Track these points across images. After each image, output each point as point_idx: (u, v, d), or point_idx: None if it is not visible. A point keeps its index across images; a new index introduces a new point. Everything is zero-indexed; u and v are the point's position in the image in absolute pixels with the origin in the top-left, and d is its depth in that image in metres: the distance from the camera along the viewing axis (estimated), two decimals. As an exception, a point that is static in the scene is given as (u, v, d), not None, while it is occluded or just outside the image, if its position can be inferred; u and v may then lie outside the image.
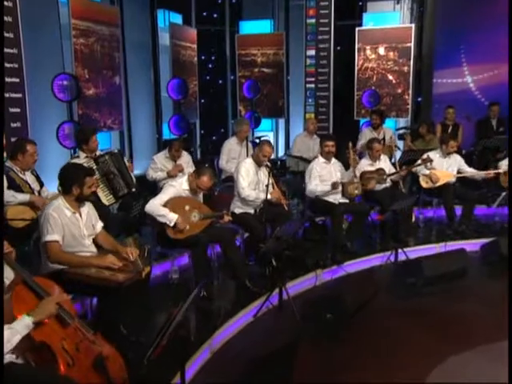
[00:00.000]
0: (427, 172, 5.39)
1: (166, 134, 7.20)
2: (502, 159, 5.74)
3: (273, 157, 8.19)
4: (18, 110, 4.60)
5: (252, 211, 4.51)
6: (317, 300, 3.91)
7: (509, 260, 4.26)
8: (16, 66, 4.54)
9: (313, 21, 8.05)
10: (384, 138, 6.21)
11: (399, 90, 7.90)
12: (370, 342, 3.48)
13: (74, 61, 5.39)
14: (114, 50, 6.16)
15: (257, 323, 3.76)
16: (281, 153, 8.75)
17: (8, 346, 2.01)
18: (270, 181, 4.32)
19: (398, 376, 3.06)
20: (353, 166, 4.97)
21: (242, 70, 8.51)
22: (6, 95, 4.41)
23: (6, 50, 4.37)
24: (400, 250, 4.82)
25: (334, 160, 5.06)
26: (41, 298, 2.25)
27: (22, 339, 2.05)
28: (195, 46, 7.92)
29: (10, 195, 3.61)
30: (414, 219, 5.57)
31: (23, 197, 3.69)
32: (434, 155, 5.48)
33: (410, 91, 7.85)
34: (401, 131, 6.98)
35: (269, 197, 4.32)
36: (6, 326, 2.03)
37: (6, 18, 4.36)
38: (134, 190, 4.51)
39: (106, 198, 4.29)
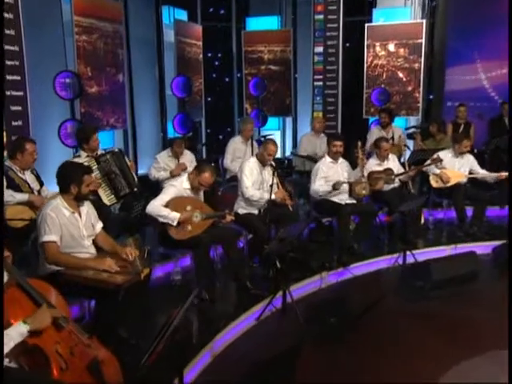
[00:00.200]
0: (438, 171, 5.27)
1: (171, 133, 7.14)
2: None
3: (280, 156, 8.17)
4: (20, 108, 4.55)
5: (256, 212, 4.44)
6: (321, 303, 3.87)
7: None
8: (17, 63, 4.50)
9: (321, 17, 7.91)
10: (393, 137, 6.11)
11: (409, 88, 7.75)
12: (377, 346, 3.43)
13: (76, 58, 5.33)
14: (117, 47, 6.09)
15: (259, 326, 3.71)
16: (288, 152, 8.65)
17: None
18: (275, 180, 4.24)
19: (405, 380, 3.01)
20: (361, 165, 4.87)
21: (249, 67, 8.43)
22: (7, 93, 4.36)
23: (6, 48, 4.32)
24: (408, 253, 4.74)
25: (341, 160, 4.97)
26: (36, 302, 2.24)
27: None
28: (200, 43, 7.86)
29: (8, 195, 3.57)
30: (423, 221, 5.46)
31: (22, 196, 3.64)
32: (446, 155, 5.36)
33: (421, 89, 7.70)
34: (410, 130, 6.86)
35: (273, 197, 4.26)
36: None
37: (6, 15, 4.31)
38: (135, 189, 4.46)
39: (107, 197, 4.24)
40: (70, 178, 3.02)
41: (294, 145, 8.59)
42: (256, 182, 4.41)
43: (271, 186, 4.19)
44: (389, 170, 5.11)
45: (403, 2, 8.09)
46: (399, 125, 7.12)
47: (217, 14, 8.64)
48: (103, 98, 5.87)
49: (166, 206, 3.73)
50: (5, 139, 4.11)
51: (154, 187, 5.01)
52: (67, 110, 5.33)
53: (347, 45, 8.16)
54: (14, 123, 4.48)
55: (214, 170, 3.90)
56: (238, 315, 3.63)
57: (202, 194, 4.08)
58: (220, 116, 8.76)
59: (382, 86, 7.72)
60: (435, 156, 5.31)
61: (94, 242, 3.21)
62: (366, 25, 7.80)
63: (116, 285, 2.81)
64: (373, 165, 5.14)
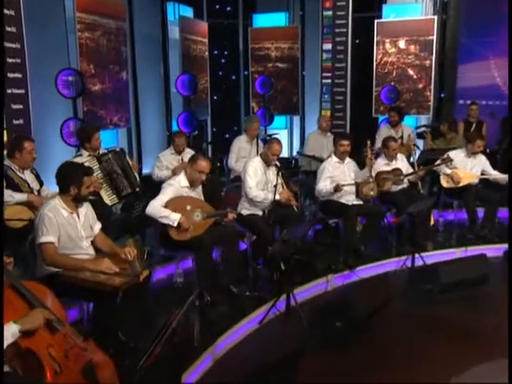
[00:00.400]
0: (449, 171, 5.15)
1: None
2: (528, 158, 5.45)
3: (287, 155, 8.08)
4: (21, 106, 4.50)
5: (260, 213, 4.36)
6: (327, 306, 3.83)
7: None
8: (18, 61, 4.44)
9: (329, 13, 7.77)
10: (402, 137, 5.99)
11: (420, 86, 7.59)
12: (383, 350, 3.38)
13: (78, 55, 5.26)
14: (120, 44, 6.03)
15: (262, 330, 3.66)
16: (295, 151, 8.55)
17: None
18: (279, 180, 4.16)
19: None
20: (369, 165, 4.75)
21: (256, 64, 8.33)
22: (8, 91, 4.31)
23: (7, 45, 4.27)
24: (417, 255, 4.65)
25: (348, 159, 4.86)
26: (31, 304, 2.22)
27: (9, 346, 2.03)
28: (206, 40, 7.77)
29: (7, 195, 3.52)
30: (432, 222, 5.33)
31: (21, 196, 3.59)
32: (459, 154, 5.24)
33: (432, 87, 7.53)
34: (420, 129, 6.71)
35: (277, 197, 4.17)
36: None
37: (8, 12, 4.26)
38: (137, 189, 4.41)
39: (108, 197, 4.20)
40: (69, 178, 2.98)
41: (302, 144, 8.48)
42: (260, 183, 4.33)
43: (275, 186, 4.11)
44: (397, 171, 5.00)
45: (414, -2, 7.95)
46: (409, 124, 6.98)
47: (223, 11, 8.54)
48: (106, 96, 5.81)
49: (165, 206, 3.65)
50: (5, 138, 4.06)
51: (156, 187, 4.94)
52: (70, 109, 5.27)
53: (356, 41, 8.00)
54: (15, 122, 4.43)
55: (206, 156, 3.84)
56: (240, 318, 3.58)
57: (201, 192, 3.98)
58: (226, 114, 8.68)
59: (392, 83, 7.57)
60: (445, 156, 5.19)
61: (93, 244, 3.16)
62: (376, 21, 7.65)
63: (114, 287, 2.78)
64: (381, 165, 5.02)
